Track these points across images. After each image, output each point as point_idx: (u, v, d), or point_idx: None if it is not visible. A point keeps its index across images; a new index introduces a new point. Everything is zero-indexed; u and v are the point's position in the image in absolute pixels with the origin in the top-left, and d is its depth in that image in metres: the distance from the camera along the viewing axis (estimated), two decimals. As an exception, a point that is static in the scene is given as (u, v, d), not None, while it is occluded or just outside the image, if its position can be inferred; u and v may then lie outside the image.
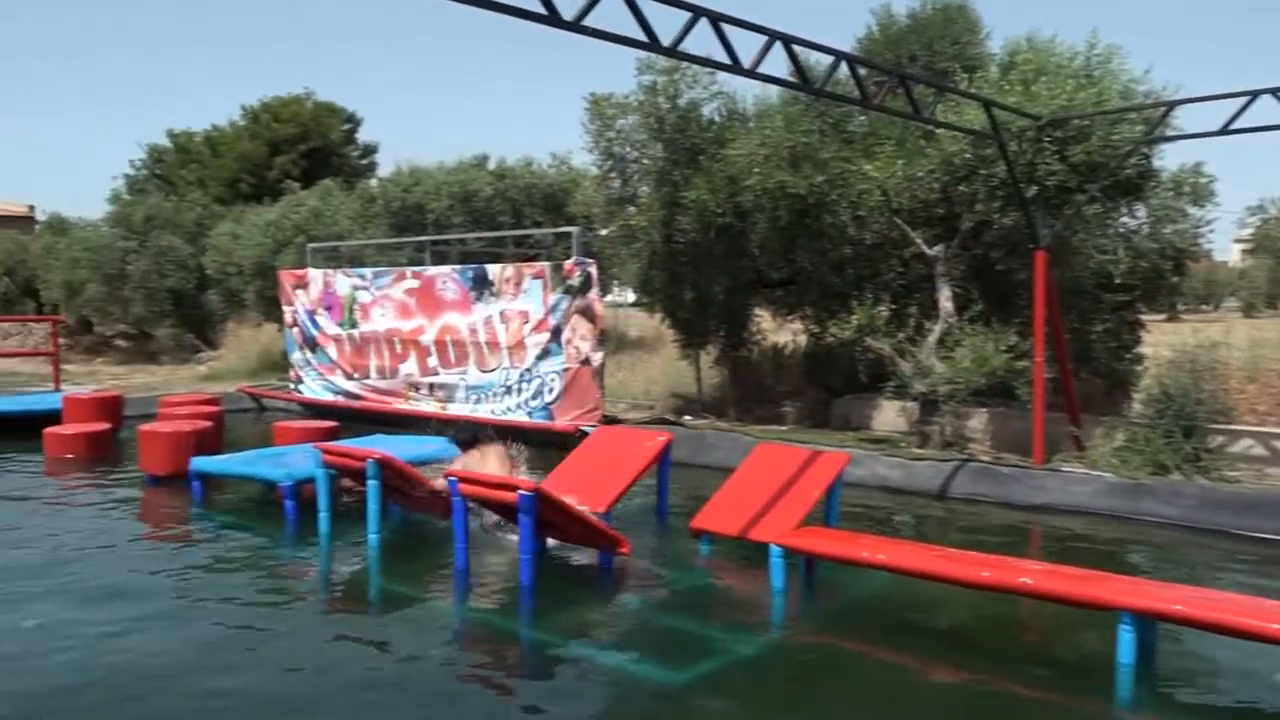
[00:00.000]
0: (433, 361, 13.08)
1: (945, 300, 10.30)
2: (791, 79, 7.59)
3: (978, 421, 10.29)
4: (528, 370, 11.88)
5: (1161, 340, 10.39)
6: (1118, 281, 10.27)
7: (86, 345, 24.48)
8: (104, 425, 11.24)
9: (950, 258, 10.41)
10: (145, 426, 9.58)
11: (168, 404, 11.69)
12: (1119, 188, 9.67)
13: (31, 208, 40.56)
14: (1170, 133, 9.41)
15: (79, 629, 5.39)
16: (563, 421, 11.40)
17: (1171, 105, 9.02)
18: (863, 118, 11.17)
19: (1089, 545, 7.44)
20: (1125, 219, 10.75)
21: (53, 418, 11.61)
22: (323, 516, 7.52)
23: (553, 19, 5.39)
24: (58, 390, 14.41)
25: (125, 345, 24.11)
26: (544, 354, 11.69)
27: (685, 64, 10.91)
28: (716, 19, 6.08)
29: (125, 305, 21.78)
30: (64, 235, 24.78)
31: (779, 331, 13.94)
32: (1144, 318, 11.22)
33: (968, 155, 9.71)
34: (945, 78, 11.05)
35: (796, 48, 6.75)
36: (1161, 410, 8.89)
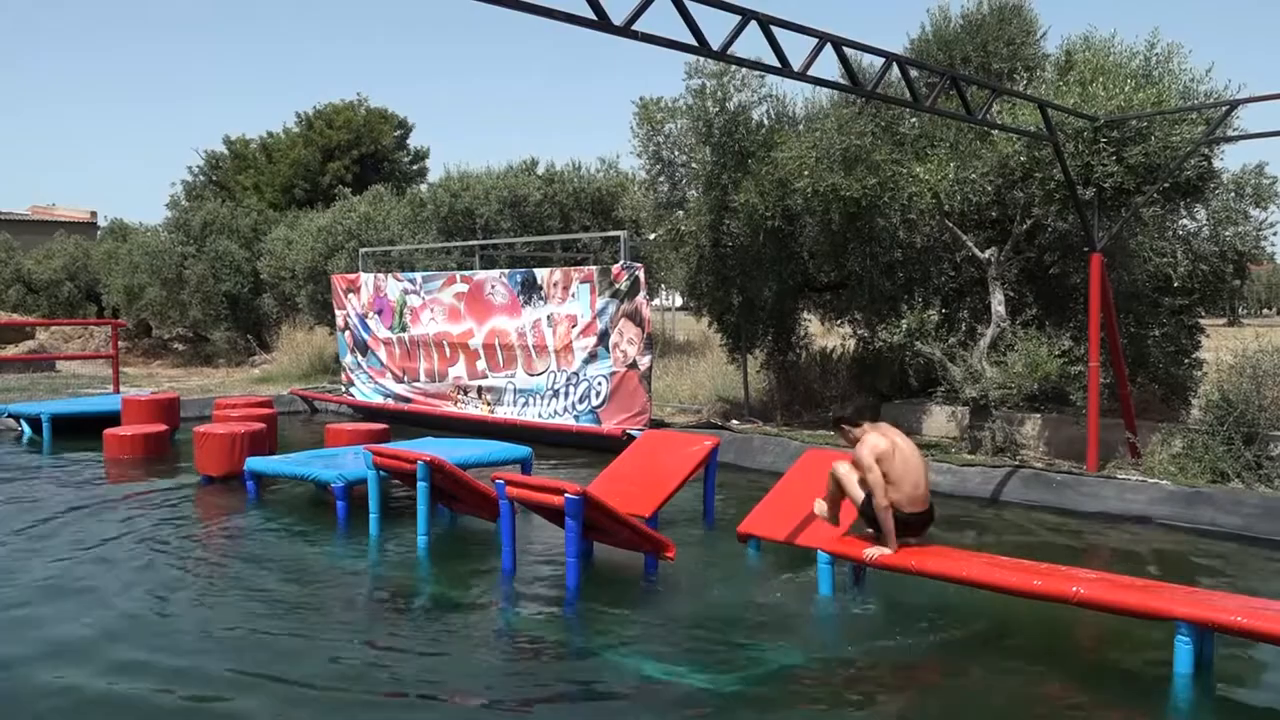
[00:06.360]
0: (481, 365, 13.17)
1: (998, 304, 10.16)
2: (842, 81, 7.55)
3: (1030, 427, 10.13)
4: (575, 374, 11.91)
5: (1222, 345, 10.15)
6: (1176, 285, 10.05)
7: (145, 348, 25.04)
8: (161, 426, 11.48)
9: (1003, 261, 10.27)
10: (200, 428, 9.77)
11: (222, 406, 11.91)
12: (1178, 189, 9.47)
13: (94, 214, 41.53)
14: (1232, 133, 9.21)
15: (131, 628, 5.51)
16: (610, 425, 11.41)
17: (1233, 105, 8.80)
18: (914, 120, 11.05)
19: (1145, 554, 7.28)
20: (1184, 221, 10.54)
21: (112, 419, 11.89)
22: (373, 517, 7.64)
23: (603, 24, 5.41)
24: (117, 392, 14.73)
25: (182, 348, 24.61)
26: (591, 358, 11.72)
27: (734, 67, 10.89)
28: (766, 22, 6.05)
29: (183, 309, 22.23)
30: (124, 240, 25.29)
31: (827, 336, 13.85)
32: (1203, 322, 10.97)
33: (1022, 157, 9.57)
34: (1000, 79, 10.90)
35: (847, 50, 6.70)
36: (1221, 417, 8.70)
